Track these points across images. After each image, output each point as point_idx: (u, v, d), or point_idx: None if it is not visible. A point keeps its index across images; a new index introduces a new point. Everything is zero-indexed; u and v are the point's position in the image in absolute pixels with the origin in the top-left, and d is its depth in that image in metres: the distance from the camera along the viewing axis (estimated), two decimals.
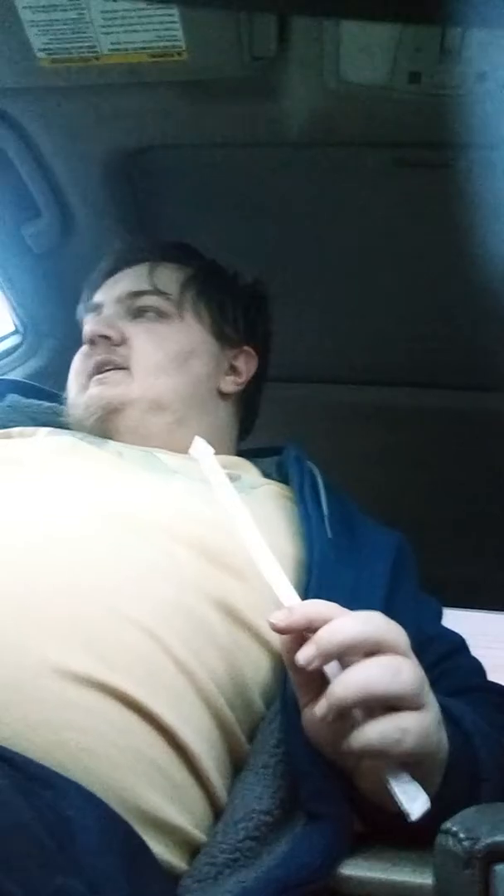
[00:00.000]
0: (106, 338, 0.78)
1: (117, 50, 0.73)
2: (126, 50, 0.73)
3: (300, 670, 0.48)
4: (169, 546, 0.59)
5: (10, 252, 1.04)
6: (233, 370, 0.86)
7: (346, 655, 0.48)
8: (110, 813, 0.45)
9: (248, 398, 0.89)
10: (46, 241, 1.01)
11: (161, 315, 0.82)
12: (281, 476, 0.80)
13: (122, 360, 0.78)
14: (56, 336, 1.18)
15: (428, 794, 0.48)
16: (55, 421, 0.81)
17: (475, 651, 0.75)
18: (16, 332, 1.21)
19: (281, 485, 0.78)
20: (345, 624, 0.48)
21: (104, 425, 0.76)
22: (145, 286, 0.83)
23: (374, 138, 0.84)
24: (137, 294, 0.83)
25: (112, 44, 0.73)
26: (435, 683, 0.51)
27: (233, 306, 0.87)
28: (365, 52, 0.71)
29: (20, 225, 1.00)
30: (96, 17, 0.71)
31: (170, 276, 0.84)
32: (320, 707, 0.47)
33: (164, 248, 0.87)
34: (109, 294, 0.85)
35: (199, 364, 0.81)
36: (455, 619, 0.82)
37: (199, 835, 0.51)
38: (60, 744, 0.46)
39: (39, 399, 0.86)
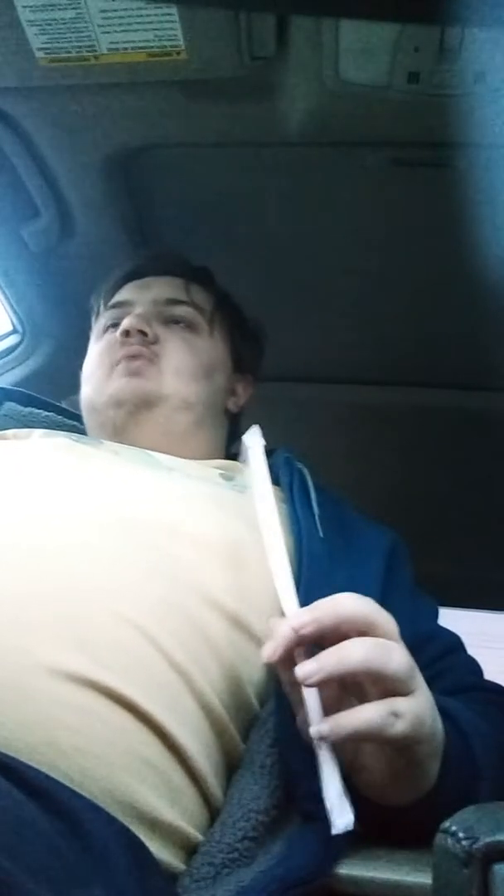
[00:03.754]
0: (143, 333, 0.81)
1: (116, 49, 0.73)
2: (125, 49, 0.73)
3: (291, 677, 0.47)
4: (165, 544, 0.59)
5: (9, 251, 1.04)
6: (233, 393, 0.92)
7: (341, 628, 0.48)
8: (113, 818, 0.45)
9: (236, 420, 0.94)
10: (45, 241, 1.01)
11: (192, 327, 0.86)
12: (271, 478, 0.80)
13: (153, 357, 0.81)
14: (54, 336, 1.18)
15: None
16: (52, 425, 0.82)
17: (475, 651, 0.74)
18: (14, 331, 1.21)
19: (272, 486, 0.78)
20: (344, 599, 0.49)
21: (132, 419, 0.79)
22: (183, 297, 0.87)
23: (373, 138, 0.84)
24: (175, 302, 0.87)
25: (111, 43, 0.73)
26: (431, 682, 0.51)
27: (247, 337, 0.95)
28: (364, 52, 0.71)
29: (19, 224, 1.00)
30: (95, 16, 0.71)
31: (203, 296, 0.90)
32: (305, 667, 0.45)
33: (192, 268, 0.91)
34: (142, 295, 0.87)
35: (220, 379, 0.88)
36: (455, 619, 0.82)
37: (195, 834, 0.51)
38: (54, 744, 0.46)
39: (34, 407, 0.87)
